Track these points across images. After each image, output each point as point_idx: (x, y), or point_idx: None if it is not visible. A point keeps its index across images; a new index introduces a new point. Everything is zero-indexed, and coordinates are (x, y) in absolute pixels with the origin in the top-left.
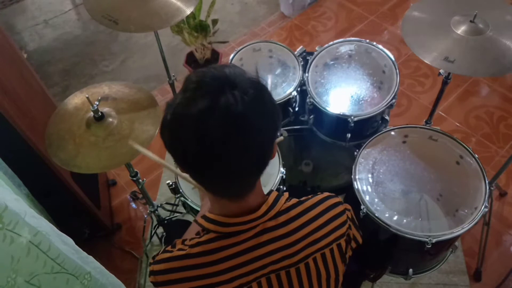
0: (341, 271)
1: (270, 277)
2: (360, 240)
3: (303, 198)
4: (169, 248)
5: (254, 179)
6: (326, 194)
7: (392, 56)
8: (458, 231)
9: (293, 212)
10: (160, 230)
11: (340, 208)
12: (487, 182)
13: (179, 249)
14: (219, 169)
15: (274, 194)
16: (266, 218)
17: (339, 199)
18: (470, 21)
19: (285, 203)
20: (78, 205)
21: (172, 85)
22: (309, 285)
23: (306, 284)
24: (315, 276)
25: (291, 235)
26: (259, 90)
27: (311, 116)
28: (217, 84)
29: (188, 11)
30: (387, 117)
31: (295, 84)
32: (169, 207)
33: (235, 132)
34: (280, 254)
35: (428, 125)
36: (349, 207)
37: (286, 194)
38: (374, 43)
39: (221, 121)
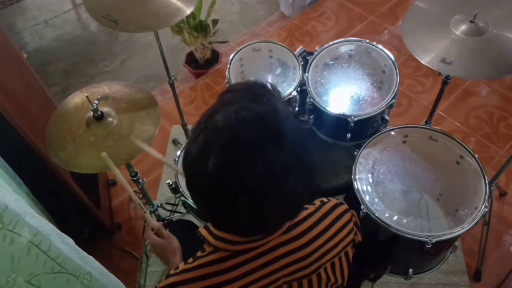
0: (346, 274)
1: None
2: (360, 239)
3: (311, 207)
4: (172, 272)
5: None
6: (333, 202)
7: (392, 56)
8: (458, 231)
9: (305, 225)
10: None
11: (347, 217)
12: (487, 182)
13: (183, 271)
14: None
15: None
16: (280, 232)
17: (346, 206)
18: (470, 21)
19: None
20: (78, 205)
21: (172, 85)
22: None
23: None
24: (324, 282)
25: (305, 248)
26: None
27: (311, 116)
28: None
29: (188, 11)
30: (387, 117)
31: (295, 84)
32: (169, 207)
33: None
34: (294, 267)
35: (428, 125)
36: (354, 213)
37: None
38: (374, 43)
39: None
